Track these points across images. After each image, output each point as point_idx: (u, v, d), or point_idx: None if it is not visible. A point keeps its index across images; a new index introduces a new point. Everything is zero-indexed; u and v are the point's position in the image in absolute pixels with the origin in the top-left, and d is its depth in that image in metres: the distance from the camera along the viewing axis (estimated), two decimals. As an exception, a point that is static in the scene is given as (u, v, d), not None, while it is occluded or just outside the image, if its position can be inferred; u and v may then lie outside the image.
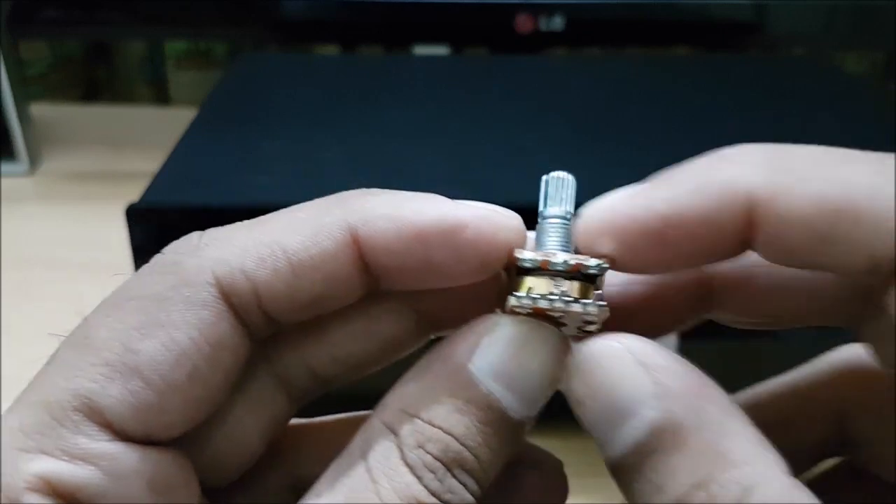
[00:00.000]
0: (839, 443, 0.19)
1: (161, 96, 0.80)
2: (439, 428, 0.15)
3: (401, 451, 0.15)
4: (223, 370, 0.16)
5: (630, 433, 0.15)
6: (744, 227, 0.15)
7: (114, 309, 0.15)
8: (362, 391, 0.17)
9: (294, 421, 0.20)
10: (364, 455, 0.15)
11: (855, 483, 0.20)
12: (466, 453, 0.15)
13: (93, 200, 0.58)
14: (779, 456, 0.14)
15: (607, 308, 0.15)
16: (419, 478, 0.14)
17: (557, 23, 0.57)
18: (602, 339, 0.15)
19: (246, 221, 0.17)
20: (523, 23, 0.57)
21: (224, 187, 0.37)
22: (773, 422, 0.16)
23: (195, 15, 0.59)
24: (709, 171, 0.15)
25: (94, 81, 0.81)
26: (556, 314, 0.16)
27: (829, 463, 0.20)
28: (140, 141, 0.64)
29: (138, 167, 0.46)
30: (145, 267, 0.16)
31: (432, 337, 0.19)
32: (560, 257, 0.15)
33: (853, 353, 0.19)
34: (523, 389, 0.16)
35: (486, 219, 0.16)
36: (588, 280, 0.16)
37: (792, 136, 0.47)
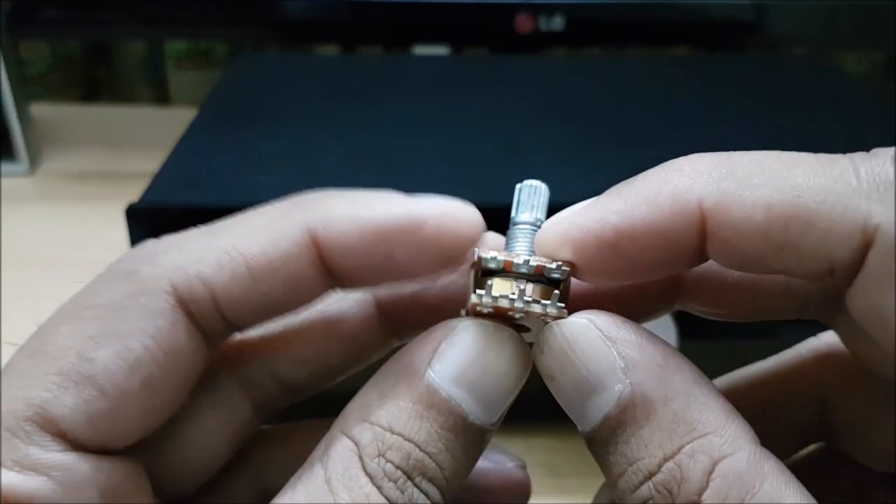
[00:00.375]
0: (820, 428, 0.19)
1: (161, 96, 0.80)
2: (400, 435, 0.15)
3: (361, 460, 0.14)
4: (179, 378, 0.16)
5: (600, 407, 0.15)
6: (698, 238, 0.15)
7: (70, 317, 0.15)
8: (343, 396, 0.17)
9: (261, 427, 0.20)
10: (324, 465, 0.15)
11: (835, 467, 0.20)
12: (428, 461, 0.15)
13: (93, 200, 0.58)
14: (747, 425, 0.14)
15: (566, 311, 0.15)
16: (379, 487, 0.14)
17: (557, 23, 0.57)
18: (571, 317, 0.15)
19: (203, 227, 0.16)
20: (523, 23, 0.57)
21: (224, 187, 0.37)
22: (754, 407, 0.16)
23: (195, 15, 0.59)
24: (660, 182, 0.15)
25: (94, 81, 0.81)
26: (517, 315, 0.16)
27: (811, 448, 0.20)
28: (140, 141, 0.64)
29: (138, 167, 0.46)
30: (101, 275, 0.16)
31: (396, 344, 0.19)
32: (523, 258, 0.16)
33: (834, 339, 0.19)
34: (485, 394, 0.15)
35: (446, 214, 0.16)
36: (551, 283, 0.16)
37: (792, 135, 0.47)
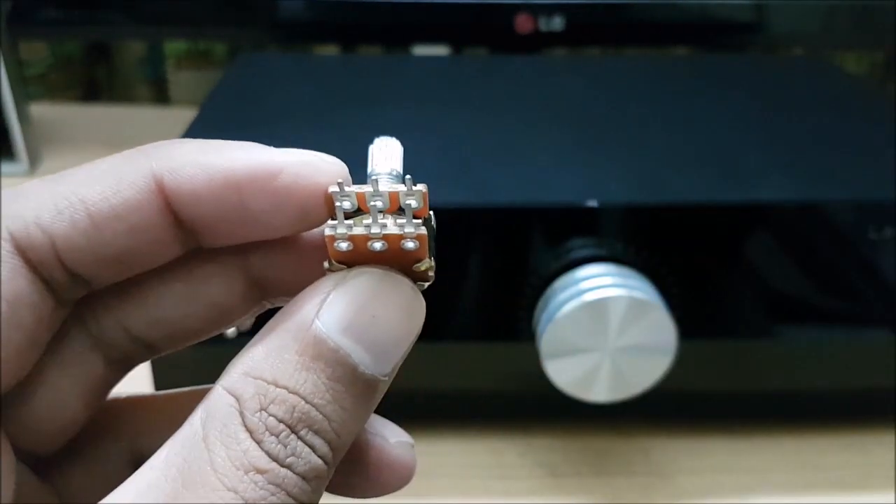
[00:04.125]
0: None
1: (161, 96, 0.80)
2: (284, 388, 0.14)
3: (241, 415, 0.14)
4: (24, 330, 0.15)
5: None
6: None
7: None
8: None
9: (137, 393, 0.19)
10: (203, 423, 0.14)
11: None
12: (315, 412, 0.14)
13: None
14: None
15: (424, 228, 0.15)
16: (259, 442, 0.14)
17: (557, 23, 0.57)
18: None
19: (49, 175, 0.16)
20: (523, 23, 0.57)
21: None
22: None
23: (195, 15, 0.59)
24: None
25: (94, 81, 0.81)
26: (377, 244, 0.15)
27: None
28: (140, 141, 0.63)
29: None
30: None
31: (268, 306, 0.18)
32: (374, 187, 0.15)
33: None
34: (375, 343, 0.15)
35: (305, 164, 0.16)
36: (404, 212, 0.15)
37: (792, 135, 0.47)
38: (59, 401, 0.17)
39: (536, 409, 0.39)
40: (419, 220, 0.15)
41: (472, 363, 0.37)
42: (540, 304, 0.34)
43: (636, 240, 0.34)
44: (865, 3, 0.58)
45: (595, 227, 0.34)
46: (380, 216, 0.15)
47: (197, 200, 0.15)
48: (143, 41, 0.77)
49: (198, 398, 0.15)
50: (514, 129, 0.42)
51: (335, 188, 0.15)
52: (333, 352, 0.14)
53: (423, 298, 0.16)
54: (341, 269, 0.16)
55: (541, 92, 0.49)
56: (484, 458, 0.38)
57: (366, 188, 0.15)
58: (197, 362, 0.29)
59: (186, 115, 0.47)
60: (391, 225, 0.15)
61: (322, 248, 0.16)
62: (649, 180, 0.36)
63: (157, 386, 0.35)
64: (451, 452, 0.38)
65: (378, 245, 0.15)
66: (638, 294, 0.32)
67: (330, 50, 0.76)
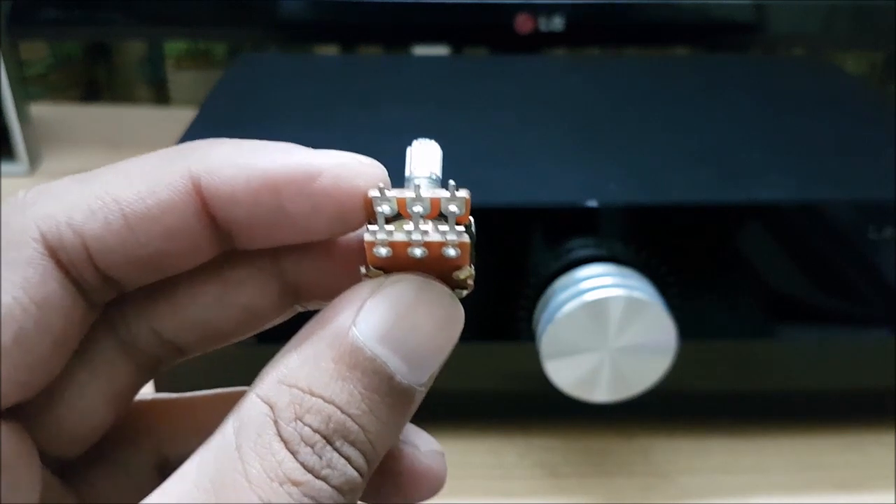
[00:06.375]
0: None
1: (161, 96, 0.80)
2: (320, 397, 0.14)
3: (276, 425, 0.13)
4: (54, 333, 0.14)
5: None
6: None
7: None
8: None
9: (162, 395, 0.19)
10: (236, 430, 0.14)
11: None
12: (350, 423, 0.14)
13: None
14: None
15: (467, 235, 0.15)
16: (294, 453, 0.13)
17: (557, 23, 0.57)
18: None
19: (79, 174, 0.15)
20: (523, 23, 0.57)
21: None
22: None
23: (195, 15, 0.59)
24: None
25: (94, 81, 0.81)
26: (417, 251, 0.15)
27: None
28: (140, 141, 0.64)
29: (138, 167, 0.46)
30: None
31: (299, 310, 0.18)
32: (415, 192, 0.15)
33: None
34: (412, 352, 0.14)
35: (344, 166, 0.15)
36: (447, 219, 0.15)
37: (792, 135, 0.47)
38: (86, 405, 0.16)
39: (536, 409, 0.39)
40: (461, 228, 0.15)
41: (471, 363, 0.37)
42: (540, 304, 0.34)
43: (636, 240, 0.34)
44: (865, 4, 0.58)
45: (595, 227, 0.34)
46: (420, 222, 0.15)
47: (234, 202, 0.15)
48: (143, 41, 0.77)
49: (224, 401, 0.15)
50: (514, 129, 0.42)
51: (375, 192, 0.15)
52: (370, 361, 0.14)
53: (461, 307, 0.15)
54: (378, 275, 0.15)
55: (541, 92, 0.49)
56: (484, 458, 0.38)
57: (406, 193, 0.15)
58: (195, 361, 0.29)
59: (186, 115, 0.47)
60: (433, 232, 0.15)
61: (357, 251, 0.16)
62: (649, 180, 0.36)
63: (157, 387, 0.35)
64: (450, 452, 0.38)
65: (418, 252, 0.15)
66: (638, 294, 0.32)
67: (330, 50, 0.75)
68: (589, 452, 0.39)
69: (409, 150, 0.16)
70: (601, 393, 0.34)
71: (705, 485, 0.37)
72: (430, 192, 0.15)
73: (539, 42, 0.58)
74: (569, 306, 0.32)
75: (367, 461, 0.14)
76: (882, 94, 0.70)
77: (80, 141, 0.68)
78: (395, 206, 0.15)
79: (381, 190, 0.15)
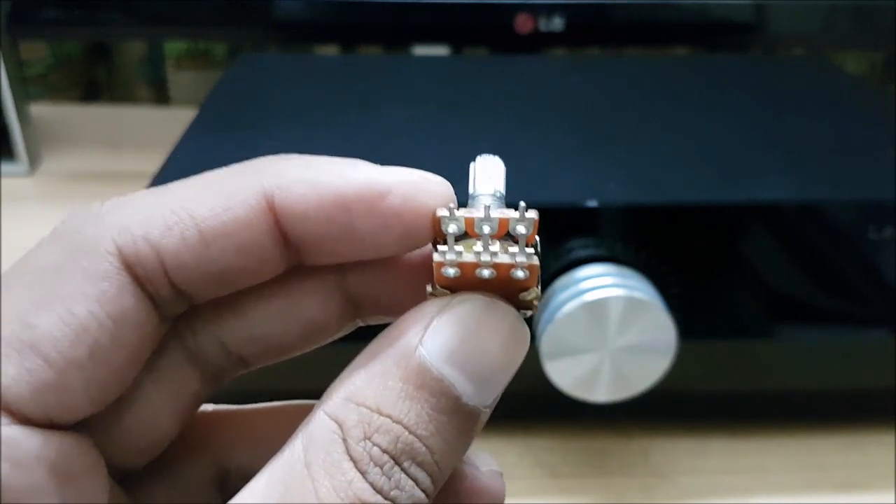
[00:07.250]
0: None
1: (161, 96, 0.80)
2: (388, 417, 0.14)
3: (345, 443, 0.13)
4: (128, 347, 0.15)
5: None
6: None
7: (10, 282, 0.14)
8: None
9: (221, 407, 0.19)
10: (305, 449, 0.14)
11: None
12: (418, 444, 0.14)
13: (93, 200, 0.58)
14: None
15: (536, 258, 0.15)
16: (364, 473, 0.13)
17: (557, 23, 0.57)
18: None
19: (153, 188, 0.15)
20: (523, 23, 0.57)
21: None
22: None
23: (195, 15, 0.59)
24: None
25: (94, 81, 0.81)
26: (486, 271, 0.15)
27: None
28: (140, 141, 0.64)
29: (138, 167, 0.46)
30: (45, 238, 0.15)
31: (360, 324, 0.18)
32: (484, 212, 0.15)
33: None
34: (478, 373, 0.14)
35: (413, 184, 0.15)
36: (515, 239, 0.15)
37: (792, 135, 0.46)
38: (153, 416, 0.16)
39: (536, 409, 0.39)
40: (531, 250, 0.15)
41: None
42: (540, 304, 0.34)
43: (636, 240, 0.34)
44: (865, 4, 0.58)
45: (595, 227, 0.34)
46: (489, 242, 0.15)
47: (306, 219, 0.15)
48: (143, 41, 0.77)
49: (284, 414, 0.15)
50: (514, 129, 0.42)
51: (444, 212, 0.15)
52: (437, 381, 0.14)
53: (527, 328, 0.15)
54: (444, 294, 0.15)
55: (541, 92, 0.49)
56: (484, 458, 0.38)
57: (475, 213, 0.15)
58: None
59: (186, 115, 0.47)
60: (502, 254, 0.15)
61: (421, 268, 0.16)
62: (649, 180, 0.36)
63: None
64: (451, 452, 0.38)
65: (486, 273, 0.15)
66: (637, 294, 0.32)
67: (330, 50, 0.76)
68: (589, 452, 0.39)
69: (472, 166, 0.16)
70: (601, 393, 0.34)
71: (705, 485, 0.37)
72: (498, 212, 0.15)
73: (539, 42, 0.58)
74: (569, 306, 0.32)
75: (434, 483, 0.14)
76: (882, 94, 0.70)
77: (80, 141, 0.68)
78: (463, 226, 0.15)
79: (450, 210, 0.15)
